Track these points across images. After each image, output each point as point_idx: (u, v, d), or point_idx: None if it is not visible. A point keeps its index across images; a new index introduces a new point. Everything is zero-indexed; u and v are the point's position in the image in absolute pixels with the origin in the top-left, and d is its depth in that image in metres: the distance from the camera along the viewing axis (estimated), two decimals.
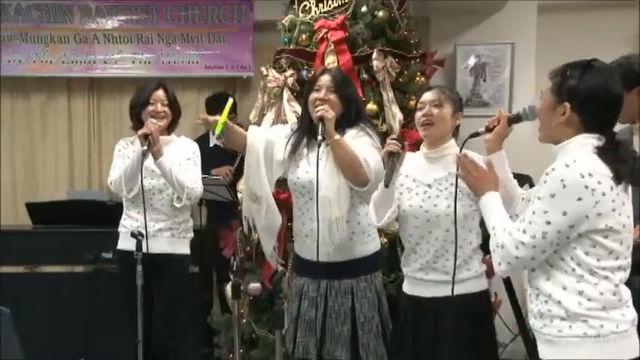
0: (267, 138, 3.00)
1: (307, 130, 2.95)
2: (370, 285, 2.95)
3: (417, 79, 4.11)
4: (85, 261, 4.51)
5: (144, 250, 3.42)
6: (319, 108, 2.83)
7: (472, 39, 5.03)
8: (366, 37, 3.99)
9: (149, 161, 3.46)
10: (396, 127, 3.79)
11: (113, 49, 5.76)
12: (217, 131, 2.78)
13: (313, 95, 2.93)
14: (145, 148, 3.35)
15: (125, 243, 3.57)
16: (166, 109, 3.61)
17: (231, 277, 3.09)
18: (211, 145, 5.00)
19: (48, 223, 4.79)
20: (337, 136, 2.82)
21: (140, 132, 3.42)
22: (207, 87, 5.70)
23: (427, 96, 2.80)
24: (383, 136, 3.22)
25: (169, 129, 3.68)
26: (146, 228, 3.47)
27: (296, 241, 3.07)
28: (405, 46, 4.07)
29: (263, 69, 4.14)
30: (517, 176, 2.65)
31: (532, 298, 2.14)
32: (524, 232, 2.06)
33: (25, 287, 4.57)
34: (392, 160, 2.64)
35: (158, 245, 3.56)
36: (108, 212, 4.50)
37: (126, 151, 3.62)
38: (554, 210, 2.01)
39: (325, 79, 2.96)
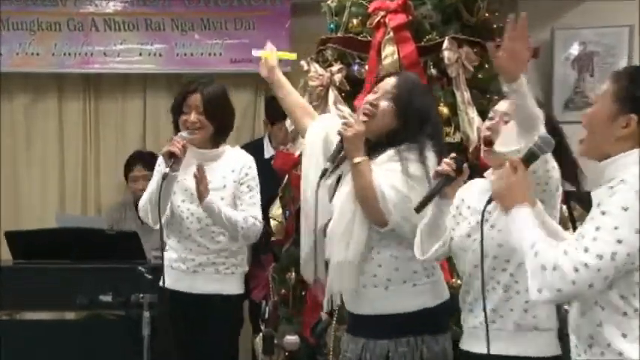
0: (325, 135, 3.12)
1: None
2: (414, 351, 2.95)
3: None
4: (77, 305, 4.39)
5: (180, 289, 3.60)
6: (342, 122, 2.94)
7: (575, 21, 5.08)
8: (435, 22, 4.08)
9: (187, 179, 3.64)
10: (474, 136, 3.86)
11: (115, 39, 5.91)
12: (263, 54, 3.03)
13: (367, 97, 3.05)
14: (168, 170, 3.48)
15: (165, 279, 3.69)
16: (202, 118, 3.71)
17: (263, 326, 3.24)
18: (267, 155, 5.17)
19: (32, 258, 4.80)
20: (358, 159, 2.91)
21: (164, 149, 3.57)
22: (233, 85, 5.53)
23: (500, 106, 2.85)
24: (455, 149, 3.29)
25: (216, 140, 3.80)
26: (161, 257, 3.63)
27: None
28: (486, 33, 4.11)
29: (303, 63, 4.23)
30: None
31: (580, 350, 2.20)
32: (585, 250, 2.08)
33: (3, 338, 4.57)
34: (438, 183, 2.71)
35: (199, 284, 3.71)
36: (107, 243, 4.57)
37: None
38: (628, 226, 2.06)
39: (388, 82, 3.06)
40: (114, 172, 5.93)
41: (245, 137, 5.74)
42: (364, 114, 2.95)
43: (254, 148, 4.83)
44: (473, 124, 3.88)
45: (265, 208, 4.12)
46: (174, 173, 3.53)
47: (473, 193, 2.84)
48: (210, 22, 5.84)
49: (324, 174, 2.87)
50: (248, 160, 3.80)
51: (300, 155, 3.41)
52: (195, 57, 5.91)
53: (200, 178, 3.54)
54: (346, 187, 2.93)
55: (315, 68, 4.17)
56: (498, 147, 2.65)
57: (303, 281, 3.70)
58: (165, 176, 3.46)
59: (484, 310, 2.53)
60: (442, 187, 2.71)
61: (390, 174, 2.91)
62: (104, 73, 6.03)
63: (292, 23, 5.73)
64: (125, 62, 5.95)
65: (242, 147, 4.14)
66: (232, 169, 3.74)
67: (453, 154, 2.81)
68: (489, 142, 2.76)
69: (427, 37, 4.07)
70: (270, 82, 3.16)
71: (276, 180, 4.44)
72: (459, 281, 3.61)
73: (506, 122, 2.76)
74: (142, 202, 3.70)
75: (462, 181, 2.76)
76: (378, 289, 2.94)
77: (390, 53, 3.98)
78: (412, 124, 2.97)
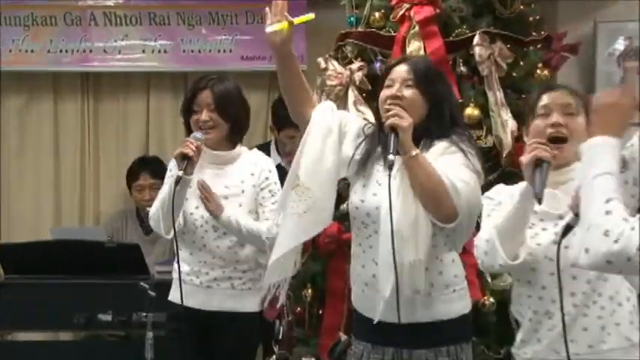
0: (340, 120, 3.10)
1: (380, 140, 3.03)
2: None
3: (539, 72, 4.14)
4: (74, 325, 4.35)
5: (193, 305, 3.62)
6: (390, 113, 2.91)
7: (620, 13, 5.07)
8: (466, 15, 4.09)
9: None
10: (508, 140, 3.85)
11: (116, 34, 5.92)
12: (280, 27, 2.91)
13: (384, 93, 3.02)
14: (181, 173, 3.48)
15: (176, 293, 3.69)
16: (215, 115, 3.73)
17: (276, 348, 3.29)
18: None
19: (25, 273, 4.75)
20: (415, 152, 2.88)
21: (176, 151, 3.59)
22: (244, 85, 4.82)
23: (555, 98, 2.85)
24: (487, 154, 3.30)
25: (232, 140, 3.83)
26: (179, 272, 3.66)
27: (353, 291, 3.13)
28: (521, 27, 4.14)
29: (320, 60, 4.26)
30: None
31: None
32: None
33: None
34: (541, 169, 2.65)
35: (213, 300, 3.74)
36: (106, 257, 4.53)
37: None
38: None
39: (401, 70, 3.03)
40: (115, 181, 5.93)
41: (257, 142, 5.58)
42: (393, 114, 2.92)
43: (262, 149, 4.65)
44: (506, 127, 3.88)
45: None
46: (189, 177, 3.54)
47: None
48: (219, 15, 5.86)
49: (390, 167, 2.79)
50: (268, 163, 3.83)
51: None
52: (202, 54, 5.90)
53: (206, 197, 3.58)
54: (402, 186, 2.90)
55: (334, 66, 4.19)
56: (575, 142, 2.67)
57: (321, 299, 3.77)
58: (178, 180, 3.45)
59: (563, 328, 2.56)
60: (546, 173, 2.65)
61: (453, 166, 2.91)
62: (104, 71, 6.02)
63: None
64: (127, 60, 5.95)
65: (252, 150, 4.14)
66: (251, 172, 3.77)
67: (539, 139, 2.76)
68: (559, 139, 2.77)
69: (456, 31, 4.08)
70: (281, 55, 3.00)
71: None
72: (491, 299, 3.68)
73: (568, 114, 2.78)
74: (152, 210, 3.71)
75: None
76: (419, 295, 2.93)
77: (415, 49, 3.99)
78: (443, 108, 3.01)
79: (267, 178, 3.78)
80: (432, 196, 2.85)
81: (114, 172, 6.01)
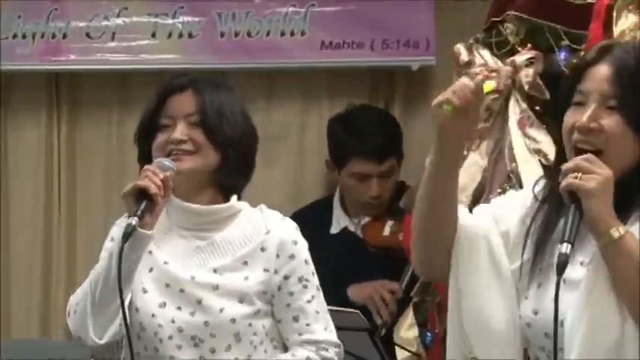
0: (492, 217, 2.77)
1: (561, 207, 2.67)
2: None
3: None
4: None
5: None
6: (572, 163, 2.55)
7: None
8: None
9: (167, 260, 3.20)
10: None
11: (107, 8, 4.98)
12: (487, 89, 2.60)
13: (571, 116, 2.60)
14: (135, 221, 2.90)
15: None
16: (197, 134, 3.18)
17: None
18: (335, 231, 4.71)
19: None
20: (618, 231, 2.54)
21: (127, 187, 3.06)
22: (326, 90, 5.13)
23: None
24: None
25: (223, 183, 3.27)
26: None
27: None
28: None
29: (460, 48, 3.91)
30: None
31: None
32: None
33: None
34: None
35: None
36: None
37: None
38: None
39: (599, 76, 2.59)
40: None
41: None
42: (582, 156, 2.55)
43: (314, 212, 4.69)
44: None
45: (394, 321, 4.19)
46: (148, 232, 2.98)
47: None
48: None
49: (565, 262, 2.47)
50: (290, 230, 3.23)
51: None
52: (254, 39, 4.93)
53: (155, 205, 3.04)
54: (595, 290, 2.56)
55: (483, 58, 3.91)
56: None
57: None
58: (129, 233, 2.90)
59: None
60: None
61: None
62: (86, 70, 5.06)
63: None
64: (125, 50, 4.99)
65: (301, 211, 4.43)
66: (261, 245, 3.19)
67: None
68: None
69: None
70: (445, 145, 2.58)
71: (352, 269, 4.42)
72: None
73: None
74: (73, 300, 3.17)
75: None
76: None
77: (630, 26, 3.70)
78: None
79: (292, 257, 3.15)
80: None
81: (99, 235, 4.95)
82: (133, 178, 5.05)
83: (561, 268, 2.40)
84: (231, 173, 3.21)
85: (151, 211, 2.99)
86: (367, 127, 4.32)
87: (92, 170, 5.16)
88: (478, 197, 3.74)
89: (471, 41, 3.87)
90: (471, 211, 2.89)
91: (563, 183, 2.44)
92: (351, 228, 4.62)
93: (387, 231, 4.37)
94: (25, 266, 5.13)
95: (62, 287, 5.03)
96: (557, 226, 2.60)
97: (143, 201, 2.96)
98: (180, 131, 3.14)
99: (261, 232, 3.19)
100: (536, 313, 2.59)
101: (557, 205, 2.61)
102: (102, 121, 5.15)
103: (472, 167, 3.89)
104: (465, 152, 3.83)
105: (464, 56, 3.83)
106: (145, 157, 3.19)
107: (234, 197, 3.24)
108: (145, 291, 3.08)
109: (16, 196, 5.13)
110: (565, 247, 2.39)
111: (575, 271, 2.48)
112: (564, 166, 2.48)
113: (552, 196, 2.64)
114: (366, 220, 4.43)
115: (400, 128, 4.66)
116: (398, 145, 4.62)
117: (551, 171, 2.71)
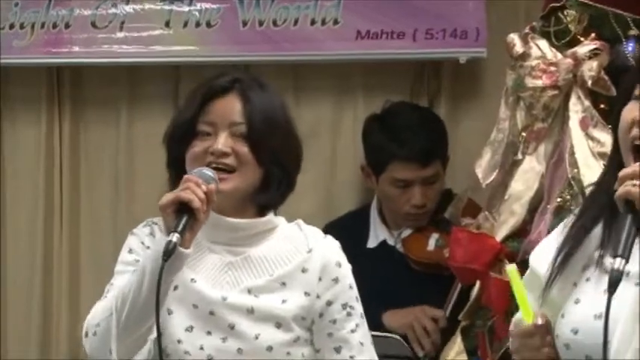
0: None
1: (612, 214, 2.62)
2: None
3: None
4: None
5: None
6: (631, 169, 2.52)
7: None
8: None
9: (196, 278, 3.05)
10: None
11: None
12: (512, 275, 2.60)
13: (629, 111, 2.58)
14: (176, 238, 2.73)
15: None
16: (242, 147, 3.00)
17: None
18: (372, 245, 4.58)
19: None
20: None
21: (166, 198, 2.89)
22: (363, 89, 4.88)
23: None
24: None
25: (261, 200, 3.09)
26: None
27: None
28: None
29: (514, 39, 3.86)
30: None
31: None
32: None
33: None
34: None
35: None
36: None
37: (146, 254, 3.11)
38: None
39: None
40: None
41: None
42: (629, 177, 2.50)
43: (348, 224, 4.58)
44: None
45: (440, 346, 4.07)
46: (186, 251, 2.81)
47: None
48: None
49: (619, 279, 2.43)
50: (334, 250, 3.05)
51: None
52: (281, 29, 4.73)
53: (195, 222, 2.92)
54: (628, 301, 2.50)
55: (540, 50, 3.78)
56: None
57: None
58: (170, 251, 2.72)
59: None
60: None
61: None
62: (90, 64, 4.83)
63: None
64: (134, 41, 4.77)
65: (334, 222, 4.32)
66: (302, 265, 3.02)
67: None
68: None
69: None
70: None
71: (393, 286, 4.28)
72: None
73: None
74: (92, 320, 2.89)
75: None
76: None
77: None
78: None
79: (335, 281, 2.99)
80: None
81: (104, 254, 4.75)
82: (143, 183, 4.96)
83: (614, 286, 2.37)
84: (271, 193, 3.08)
85: (192, 228, 2.85)
86: (408, 127, 4.12)
87: (97, 174, 4.98)
88: (535, 207, 3.63)
89: (527, 30, 3.79)
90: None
91: (620, 190, 2.39)
92: (391, 242, 4.42)
93: (431, 245, 4.18)
94: (23, 280, 4.95)
95: (64, 303, 4.87)
96: (590, 234, 2.57)
97: (184, 215, 2.83)
98: (223, 142, 3.00)
99: (303, 251, 3.04)
100: (575, 332, 2.53)
101: (597, 212, 2.57)
102: (108, 120, 4.95)
103: (528, 173, 3.76)
104: (520, 156, 3.76)
105: (518, 47, 3.76)
106: (175, 165, 3.03)
107: (270, 214, 3.10)
108: (169, 312, 2.92)
109: (13, 203, 4.98)
110: (619, 263, 2.36)
111: (621, 285, 2.41)
112: (622, 172, 2.43)
113: (594, 203, 2.62)
114: (407, 232, 4.24)
115: (446, 129, 4.47)
116: (443, 147, 4.41)
117: (602, 176, 2.66)
